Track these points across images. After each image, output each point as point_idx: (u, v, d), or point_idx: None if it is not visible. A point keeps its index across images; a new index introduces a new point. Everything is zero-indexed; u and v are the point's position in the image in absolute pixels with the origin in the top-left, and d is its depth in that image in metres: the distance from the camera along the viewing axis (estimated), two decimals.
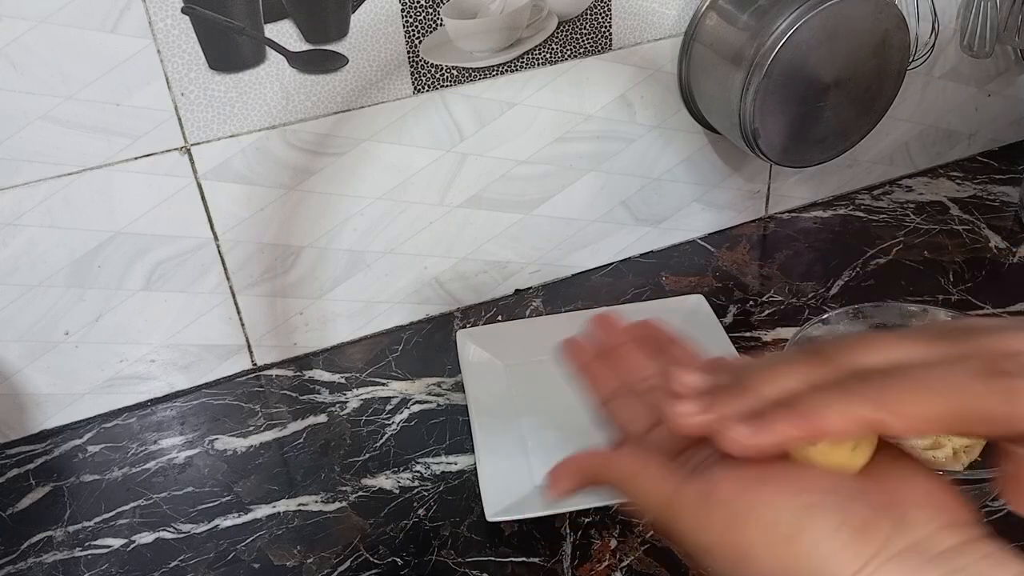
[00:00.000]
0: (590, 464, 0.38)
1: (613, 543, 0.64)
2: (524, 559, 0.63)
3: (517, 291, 0.90)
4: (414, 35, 0.72)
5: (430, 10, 0.72)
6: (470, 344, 0.80)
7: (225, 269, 0.76)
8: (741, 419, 0.32)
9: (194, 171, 0.71)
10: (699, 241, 0.96)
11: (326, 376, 0.81)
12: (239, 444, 0.75)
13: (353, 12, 0.70)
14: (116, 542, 0.67)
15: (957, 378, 0.30)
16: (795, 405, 0.31)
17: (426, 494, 0.69)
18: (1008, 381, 0.30)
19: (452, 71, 0.75)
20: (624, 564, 0.62)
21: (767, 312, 0.85)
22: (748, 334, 0.82)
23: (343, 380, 0.81)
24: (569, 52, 0.79)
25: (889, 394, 0.30)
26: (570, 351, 0.47)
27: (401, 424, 0.76)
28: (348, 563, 0.64)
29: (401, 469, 0.71)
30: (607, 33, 0.79)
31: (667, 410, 0.34)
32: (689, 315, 0.80)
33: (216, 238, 0.75)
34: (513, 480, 0.67)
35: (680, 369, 0.35)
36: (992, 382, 0.30)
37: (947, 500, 0.32)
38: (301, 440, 0.75)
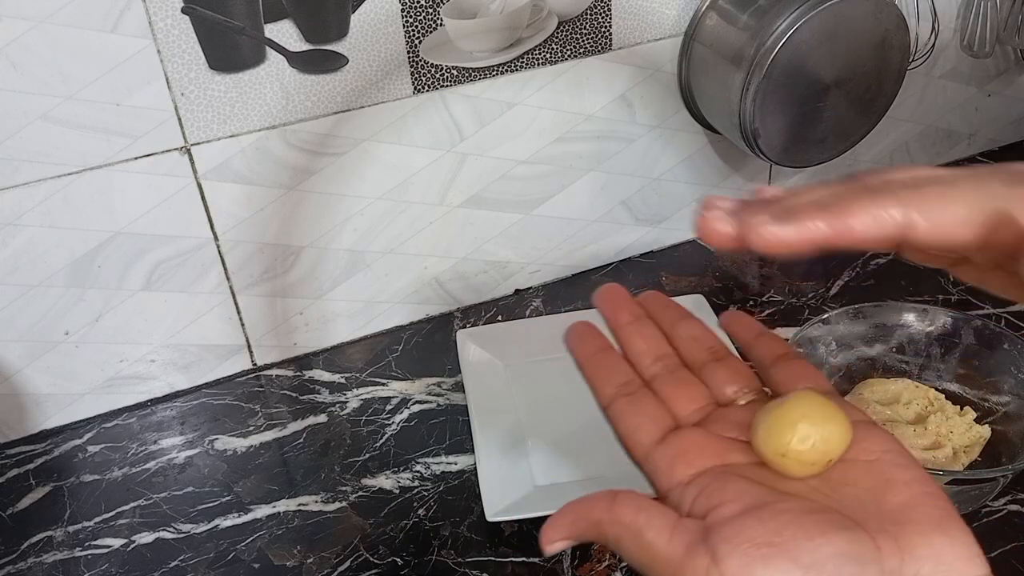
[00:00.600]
0: (588, 516, 0.35)
1: None
2: (524, 559, 0.63)
3: (517, 291, 0.90)
4: (414, 35, 0.72)
5: (430, 10, 0.72)
6: (470, 344, 0.80)
7: (225, 269, 0.76)
8: (772, 217, 0.32)
9: (194, 171, 0.71)
10: (699, 241, 0.96)
11: (326, 376, 0.81)
12: (239, 444, 0.75)
13: (353, 12, 0.70)
14: (116, 542, 0.67)
15: (984, 184, 0.31)
16: (823, 203, 0.31)
17: (426, 494, 0.69)
18: None
19: (452, 71, 0.75)
20: (624, 564, 0.62)
21: (767, 312, 0.85)
22: None
23: (343, 380, 0.81)
24: (569, 52, 0.79)
25: (919, 196, 0.31)
26: (575, 339, 0.44)
27: (401, 424, 0.76)
28: (348, 563, 0.64)
29: (401, 469, 0.71)
30: (607, 33, 0.79)
31: (699, 223, 0.33)
32: None
33: (216, 238, 0.75)
34: (513, 480, 0.67)
35: (717, 199, 0.34)
36: (1019, 188, 0.31)
37: (959, 559, 0.30)
38: (301, 440, 0.75)
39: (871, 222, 0.31)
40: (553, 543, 0.36)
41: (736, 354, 0.43)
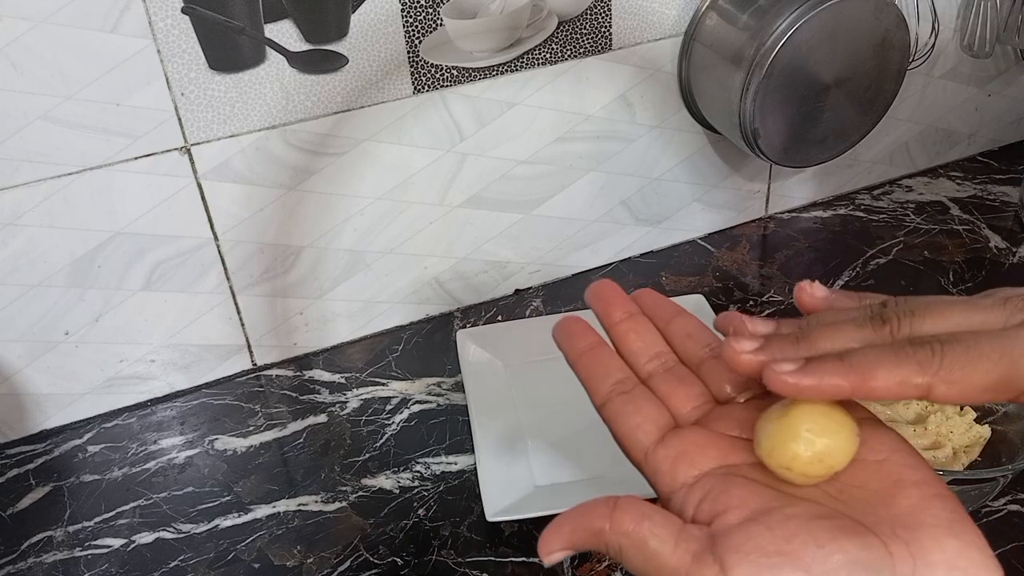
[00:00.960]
0: (587, 526, 0.34)
1: None
2: (524, 559, 0.63)
3: (517, 291, 0.90)
4: (414, 35, 0.72)
5: (430, 10, 0.72)
6: (470, 344, 0.80)
7: (225, 269, 0.76)
8: (793, 360, 0.32)
9: (194, 171, 0.71)
10: (699, 241, 0.96)
11: (326, 376, 0.81)
12: (239, 444, 0.75)
13: (353, 12, 0.70)
14: (116, 542, 0.67)
15: (1010, 346, 0.31)
16: (847, 359, 0.32)
17: (426, 494, 0.69)
18: None
19: (452, 71, 0.75)
20: None
21: (767, 312, 0.85)
22: None
23: (343, 380, 0.81)
24: (569, 52, 0.79)
25: (942, 360, 0.31)
26: (565, 334, 0.42)
27: (401, 424, 0.76)
28: (348, 563, 0.64)
29: (401, 469, 0.71)
30: (607, 33, 0.79)
31: (725, 347, 0.34)
32: None
33: (216, 238, 0.75)
34: (513, 480, 0.67)
35: (746, 319, 0.36)
36: None
37: (973, 564, 0.30)
38: (301, 440, 0.75)
39: (893, 387, 0.31)
40: (552, 553, 0.35)
41: None
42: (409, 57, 0.73)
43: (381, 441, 0.74)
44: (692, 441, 0.36)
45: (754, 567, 0.30)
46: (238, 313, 0.79)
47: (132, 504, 0.70)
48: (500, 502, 0.65)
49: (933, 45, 0.90)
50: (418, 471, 0.71)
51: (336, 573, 0.63)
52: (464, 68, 0.76)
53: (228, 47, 0.67)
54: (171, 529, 0.68)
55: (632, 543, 0.32)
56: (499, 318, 0.87)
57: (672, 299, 0.45)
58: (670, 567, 0.31)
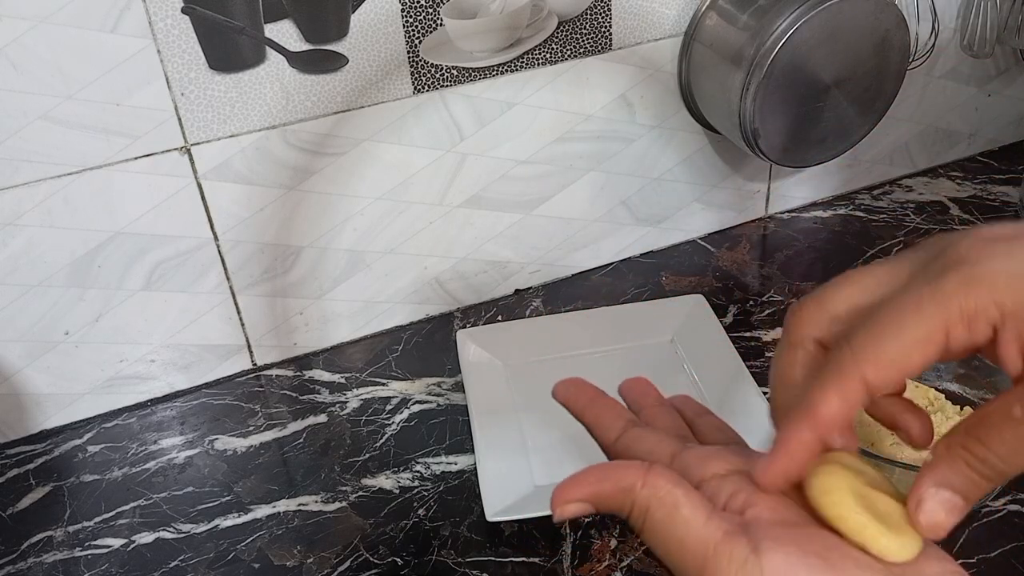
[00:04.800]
0: (617, 479, 0.32)
1: (613, 543, 0.64)
2: (524, 559, 0.63)
3: (517, 291, 0.90)
4: (414, 35, 0.72)
5: (430, 10, 0.72)
6: (470, 344, 0.80)
7: (225, 269, 0.76)
8: (761, 464, 0.31)
9: (194, 171, 0.71)
10: (699, 241, 0.96)
11: (326, 376, 0.81)
12: (239, 444, 0.75)
13: (353, 12, 0.70)
14: (116, 542, 0.67)
15: (923, 300, 0.29)
16: (801, 406, 0.30)
17: (426, 494, 0.69)
18: (948, 278, 0.28)
19: (452, 71, 0.75)
20: (624, 564, 0.62)
21: (767, 312, 0.85)
22: (748, 334, 0.82)
23: (343, 380, 0.81)
24: (569, 52, 0.79)
25: (869, 355, 0.29)
26: (569, 389, 0.41)
27: (401, 424, 0.76)
28: (348, 563, 0.64)
29: (401, 469, 0.71)
30: (607, 33, 0.79)
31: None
32: (689, 315, 0.81)
33: (216, 238, 0.75)
34: (513, 480, 0.67)
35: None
36: (942, 283, 0.28)
37: None
38: (301, 440, 0.75)
39: (840, 405, 0.29)
40: (568, 504, 0.33)
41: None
42: (409, 57, 0.73)
43: (381, 441, 0.74)
44: (721, 449, 0.35)
45: (790, 558, 0.28)
46: (238, 313, 0.79)
47: (132, 504, 0.70)
48: (500, 502, 0.65)
49: (933, 45, 0.90)
50: (418, 471, 0.71)
51: (336, 573, 0.63)
52: (464, 68, 0.76)
53: (228, 47, 0.67)
54: (171, 529, 0.68)
55: (663, 506, 0.31)
56: (499, 318, 0.87)
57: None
58: (698, 538, 0.30)
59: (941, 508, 0.29)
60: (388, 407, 0.77)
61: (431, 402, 0.78)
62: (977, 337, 0.28)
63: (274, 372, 0.82)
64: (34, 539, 0.68)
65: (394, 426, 0.75)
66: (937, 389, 0.68)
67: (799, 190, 0.99)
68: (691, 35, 0.82)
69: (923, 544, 0.30)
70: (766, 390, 0.72)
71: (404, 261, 0.83)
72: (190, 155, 0.70)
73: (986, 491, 0.29)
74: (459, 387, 0.78)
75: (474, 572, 0.63)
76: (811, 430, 0.30)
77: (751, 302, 0.87)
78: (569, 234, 0.89)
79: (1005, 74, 1.03)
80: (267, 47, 0.68)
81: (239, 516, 0.68)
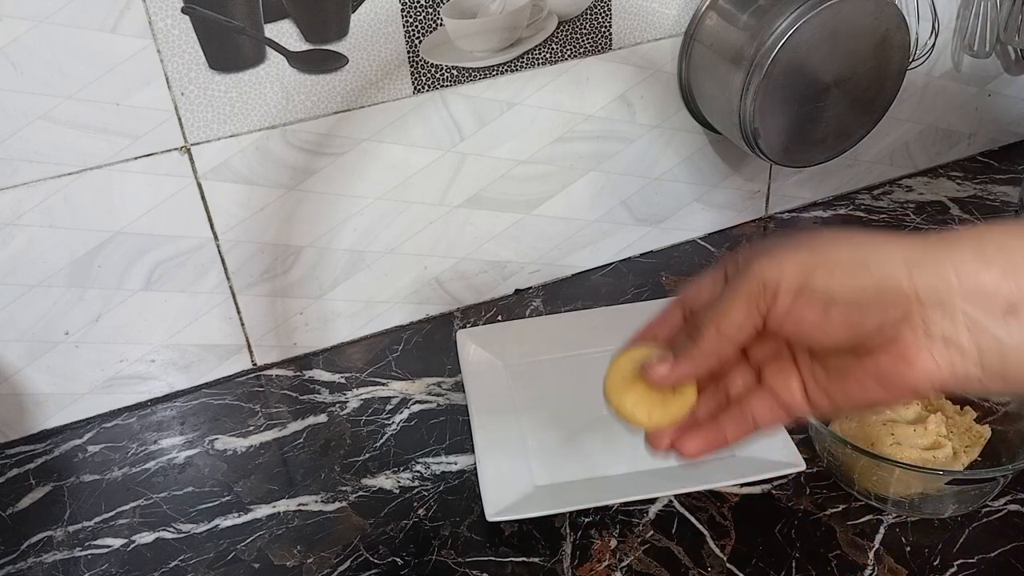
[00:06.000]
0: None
1: (613, 543, 0.64)
2: (524, 559, 0.63)
3: (517, 291, 0.90)
4: (414, 35, 0.72)
5: (430, 10, 0.72)
6: (470, 344, 0.80)
7: (225, 269, 0.76)
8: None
9: (194, 171, 0.71)
10: (699, 241, 0.96)
11: (326, 376, 0.81)
12: (239, 444, 0.75)
13: (353, 12, 0.70)
14: (116, 542, 0.67)
15: (734, 282, 0.43)
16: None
17: (426, 494, 0.69)
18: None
19: (452, 71, 0.75)
20: (624, 564, 0.62)
21: None
22: None
23: (343, 380, 0.81)
24: (569, 52, 0.79)
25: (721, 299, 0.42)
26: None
27: (401, 424, 0.76)
28: (348, 563, 0.64)
29: (401, 469, 0.71)
30: (607, 33, 0.79)
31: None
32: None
33: (216, 238, 0.75)
34: (513, 480, 0.67)
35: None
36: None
37: None
38: (301, 440, 0.75)
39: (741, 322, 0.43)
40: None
41: None
42: (409, 57, 0.73)
43: (381, 441, 0.74)
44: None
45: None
46: (238, 313, 0.79)
47: (132, 504, 0.70)
48: (500, 502, 0.65)
49: (933, 45, 0.90)
50: (418, 471, 0.71)
51: (336, 573, 0.63)
52: (464, 68, 0.76)
53: (228, 47, 0.67)
54: (171, 529, 0.68)
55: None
56: (499, 318, 0.87)
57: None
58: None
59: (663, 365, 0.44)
60: (388, 407, 0.77)
61: (431, 402, 0.78)
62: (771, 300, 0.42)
63: (274, 372, 0.82)
64: (34, 539, 0.68)
65: (394, 426, 0.75)
66: None
67: (799, 190, 0.99)
68: (691, 35, 0.82)
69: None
70: None
71: (404, 261, 0.83)
72: (190, 155, 0.70)
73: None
74: (459, 387, 0.78)
75: (474, 572, 0.63)
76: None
77: None
78: (569, 234, 0.89)
79: (1005, 74, 1.03)
80: (267, 47, 0.68)
81: (239, 516, 0.68)
